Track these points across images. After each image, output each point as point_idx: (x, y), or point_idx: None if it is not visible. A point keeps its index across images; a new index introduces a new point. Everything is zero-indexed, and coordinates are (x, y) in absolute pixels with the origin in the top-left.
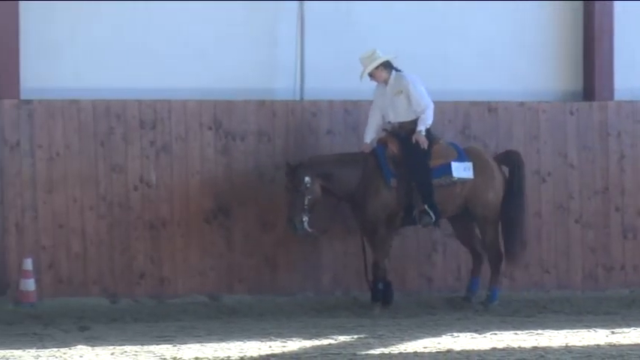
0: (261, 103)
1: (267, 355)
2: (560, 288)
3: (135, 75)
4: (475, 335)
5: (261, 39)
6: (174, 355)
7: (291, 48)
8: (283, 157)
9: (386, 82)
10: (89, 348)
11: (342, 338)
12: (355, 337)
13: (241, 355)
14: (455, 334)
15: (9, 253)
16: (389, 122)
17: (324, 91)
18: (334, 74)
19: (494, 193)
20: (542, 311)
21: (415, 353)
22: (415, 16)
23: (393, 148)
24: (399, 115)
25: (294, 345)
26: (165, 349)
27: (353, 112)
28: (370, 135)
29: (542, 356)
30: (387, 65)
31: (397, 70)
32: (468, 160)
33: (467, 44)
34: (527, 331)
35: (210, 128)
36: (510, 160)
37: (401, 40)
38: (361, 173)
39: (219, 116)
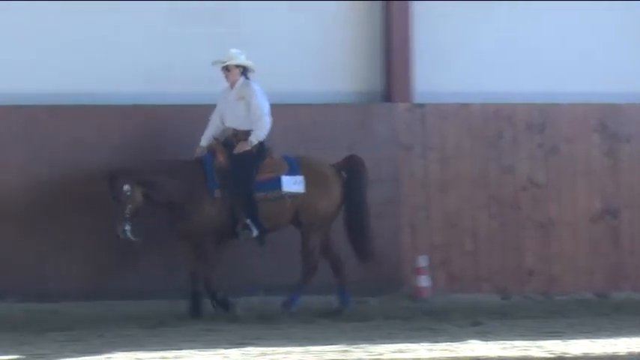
0: None
1: None
2: None
3: (522, 79)
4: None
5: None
6: (563, 351)
7: None
8: None
9: (233, 85)
10: (481, 342)
11: None
12: None
13: (629, 350)
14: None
15: (403, 251)
16: (225, 129)
17: None
18: None
19: (329, 201)
20: None
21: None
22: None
23: (221, 158)
24: (236, 121)
25: None
26: (554, 345)
27: None
28: (207, 139)
29: None
30: (244, 71)
31: (247, 78)
32: (300, 174)
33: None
34: None
35: (595, 131)
36: (350, 165)
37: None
38: (186, 182)
39: (604, 119)
